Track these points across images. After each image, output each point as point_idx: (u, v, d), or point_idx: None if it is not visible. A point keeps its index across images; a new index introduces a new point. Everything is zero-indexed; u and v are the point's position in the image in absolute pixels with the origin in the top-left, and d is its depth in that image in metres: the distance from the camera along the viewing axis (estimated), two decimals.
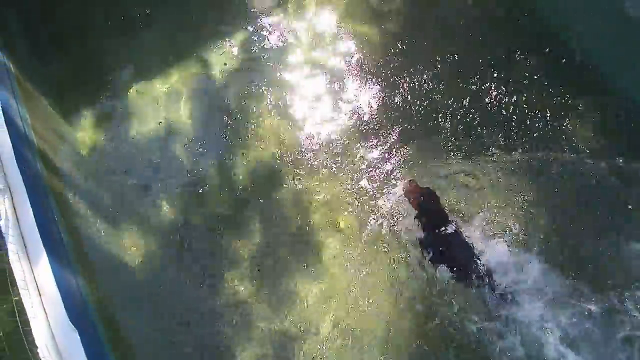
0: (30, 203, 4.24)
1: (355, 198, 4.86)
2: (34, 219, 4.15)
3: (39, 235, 4.11)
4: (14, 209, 4.22)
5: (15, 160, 4.35)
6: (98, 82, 5.60)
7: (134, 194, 5.13)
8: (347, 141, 5.13)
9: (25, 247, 4.08)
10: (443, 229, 4.14)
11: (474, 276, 4.11)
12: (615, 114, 4.98)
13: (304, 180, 5.01)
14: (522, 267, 4.32)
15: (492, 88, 5.15)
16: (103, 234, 4.90)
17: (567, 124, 4.94)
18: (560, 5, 5.36)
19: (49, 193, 4.75)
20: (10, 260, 3.97)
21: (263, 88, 5.45)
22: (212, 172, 5.12)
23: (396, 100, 5.25)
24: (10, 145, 4.39)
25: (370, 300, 4.43)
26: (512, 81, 5.17)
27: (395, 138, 5.06)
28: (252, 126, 5.30)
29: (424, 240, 4.28)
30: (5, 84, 5.02)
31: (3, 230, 4.11)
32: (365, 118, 5.23)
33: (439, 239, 4.18)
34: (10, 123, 4.62)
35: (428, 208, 4.27)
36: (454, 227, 4.15)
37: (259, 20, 5.80)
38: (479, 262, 4.12)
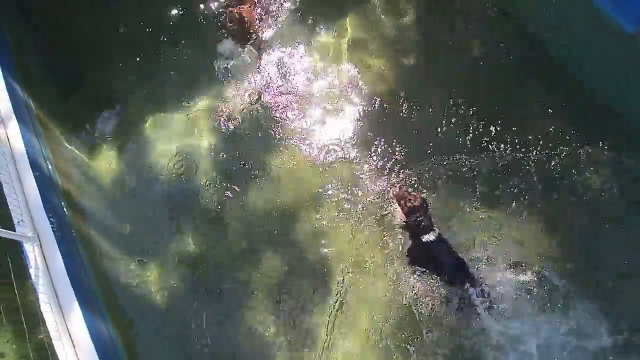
0: (59, 249, 4.24)
1: (378, 232, 4.84)
2: (63, 267, 4.14)
3: (69, 284, 4.10)
4: (44, 256, 4.21)
5: (42, 206, 4.34)
6: (116, 115, 5.59)
7: (154, 226, 5.13)
8: (366, 175, 5.10)
9: (57, 296, 4.08)
10: (427, 236, 4.32)
11: (460, 282, 4.33)
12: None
13: (324, 213, 5.00)
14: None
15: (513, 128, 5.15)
16: (128, 272, 4.91)
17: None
18: (582, 52, 5.34)
19: (76, 235, 4.72)
20: (42, 311, 3.96)
21: (280, 120, 5.43)
22: (230, 204, 5.11)
23: (413, 137, 5.22)
24: (37, 190, 4.37)
25: (391, 335, 4.45)
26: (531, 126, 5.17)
27: (413, 172, 5.03)
28: (271, 158, 5.28)
29: (410, 250, 4.49)
30: (26, 122, 4.98)
31: (33, 279, 4.11)
32: (382, 152, 5.19)
33: (425, 247, 4.35)
34: (35, 166, 4.60)
35: (415, 213, 4.40)
36: (437, 234, 4.33)
37: (276, 50, 5.77)
38: (466, 268, 4.33)
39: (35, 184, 4.42)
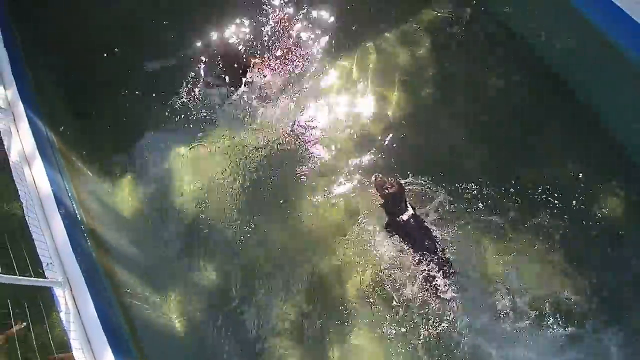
0: (89, 292, 4.23)
1: (393, 270, 4.83)
2: (95, 312, 4.13)
3: (101, 328, 4.09)
4: (74, 300, 4.20)
5: (71, 249, 4.32)
6: (136, 146, 5.59)
7: (176, 259, 5.13)
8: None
9: (89, 341, 4.07)
10: (402, 216, 4.77)
11: (428, 251, 4.73)
12: None
13: (344, 245, 4.98)
14: None
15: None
16: (153, 307, 4.91)
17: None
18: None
19: (102, 272, 4.70)
20: (75, 357, 3.96)
21: (298, 153, 5.38)
22: (251, 238, 5.08)
23: (429, 168, 5.18)
24: (65, 232, 4.35)
25: None
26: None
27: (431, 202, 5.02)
28: (290, 191, 5.25)
29: (388, 226, 4.92)
30: (50, 158, 4.95)
31: (64, 325, 4.10)
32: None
33: (401, 225, 4.79)
34: (60, 205, 4.57)
35: (391, 197, 4.83)
36: (410, 213, 4.77)
37: (291, 86, 5.70)
38: (436, 245, 4.75)
39: (62, 226, 4.40)
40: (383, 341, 4.60)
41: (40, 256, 4.22)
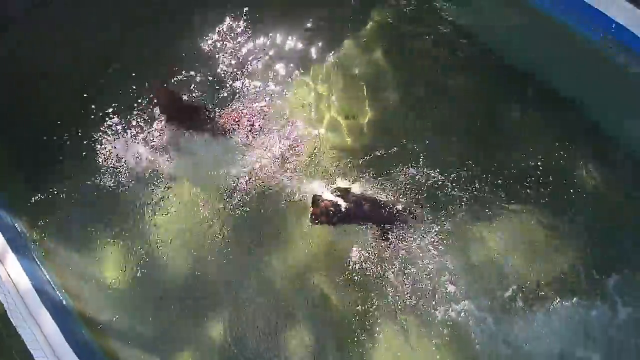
0: None
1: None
2: None
3: None
4: None
5: (65, 341, 4.11)
6: (111, 216, 5.34)
7: (176, 322, 4.93)
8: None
9: None
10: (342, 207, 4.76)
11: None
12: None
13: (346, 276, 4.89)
14: None
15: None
16: None
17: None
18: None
19: (104, 358, 4.49)
20: None
21: (278, 188, 5.29)
22: (245, 285, 4.98)
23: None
24: (57, 327, 4.14)
25: None
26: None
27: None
28: (281, 232, 5.16)
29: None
30: (25, 253, 4.72)
31: None
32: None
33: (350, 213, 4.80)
34: (44, 297, 4.36)
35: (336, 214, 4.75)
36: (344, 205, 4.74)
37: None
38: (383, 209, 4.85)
39: (51, 319, 4.19)
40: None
41: (35, 357, 4.01)
